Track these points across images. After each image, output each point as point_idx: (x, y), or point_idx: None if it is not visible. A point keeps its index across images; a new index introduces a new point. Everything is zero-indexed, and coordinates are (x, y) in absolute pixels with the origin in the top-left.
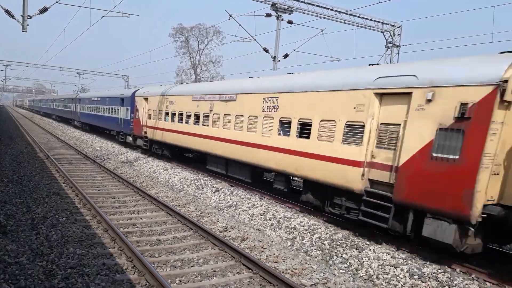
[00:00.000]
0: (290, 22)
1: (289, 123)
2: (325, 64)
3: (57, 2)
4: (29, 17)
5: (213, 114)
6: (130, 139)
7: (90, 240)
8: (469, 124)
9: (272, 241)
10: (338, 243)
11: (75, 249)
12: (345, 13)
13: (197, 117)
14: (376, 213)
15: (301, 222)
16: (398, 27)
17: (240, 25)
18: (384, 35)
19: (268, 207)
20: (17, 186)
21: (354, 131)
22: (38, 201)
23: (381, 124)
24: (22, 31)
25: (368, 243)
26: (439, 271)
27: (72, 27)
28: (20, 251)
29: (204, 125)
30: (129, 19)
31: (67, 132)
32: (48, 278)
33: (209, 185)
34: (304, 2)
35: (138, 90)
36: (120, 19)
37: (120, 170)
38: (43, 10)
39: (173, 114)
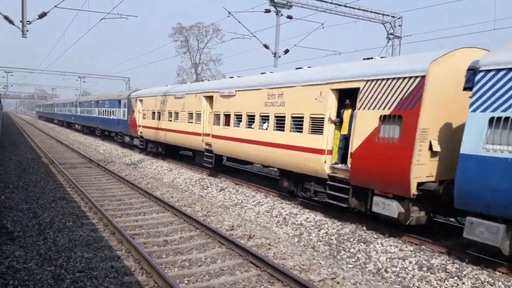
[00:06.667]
0: (289, 17)
1: None
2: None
3: (55, 6)
4: (28, 22)
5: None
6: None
7: (98, 243)
8: None
9: (279, 238)
10: (345, 237)
11: (82, 253)
12: (345, 6)
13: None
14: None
15: (307, 218)
16: (399, 18)
17: (239, 22)
18: (385, 27)
19: (274, 204)
20: (23, 192)
21: None
22: (44, 206)
23: None
24: (22, 36)
25: (375, 236)
26: (447, 262)
27: (72, 31)
28: (28, 257)
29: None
30: (128, 20)
31: (70, 137)
32: (57, 282)
33: (214, 184)
34: None
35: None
36: (119, 21)
37: (125, 173)
38: (42, 15)
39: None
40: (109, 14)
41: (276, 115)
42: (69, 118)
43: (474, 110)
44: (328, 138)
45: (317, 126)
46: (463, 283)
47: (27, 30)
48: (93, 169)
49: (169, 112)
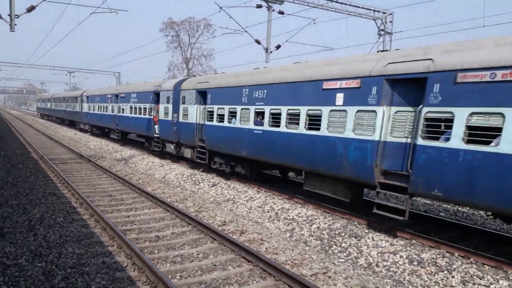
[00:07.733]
0: (281, 12)
1: None
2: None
3: (44, 0)
4: (16, 16)
5: None
6: None
7: (89, 239)
8: None
9: (271, 233)
10: (336, 232)
11: (73, 249)
12: (336, 2)
13: None
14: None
15: (299, 213)
16: (390, 14)
17: (230, 17)
18: (376, 23)
19: (266, 200)
20: (12, 188)
21: None
22: (34, 202)
23: None
24: (10, 30)
25: (366, 231)
26: (437, 256)
27: (61, 25)
28: (18, 253)
29: None
30: (118, 15)
31: (60, 132)
32: (48, 278)
33: (206, 180)
34: None
35: None
36: (109, 15)
37: (116, 168)
38: (31, 9)
39: None
40: (99, 8)
41: None
42: (144, 129)
43: None
44: None
45: None
46: (453, 277)
47: (15, 24)
48: (83, 165)
49: None
